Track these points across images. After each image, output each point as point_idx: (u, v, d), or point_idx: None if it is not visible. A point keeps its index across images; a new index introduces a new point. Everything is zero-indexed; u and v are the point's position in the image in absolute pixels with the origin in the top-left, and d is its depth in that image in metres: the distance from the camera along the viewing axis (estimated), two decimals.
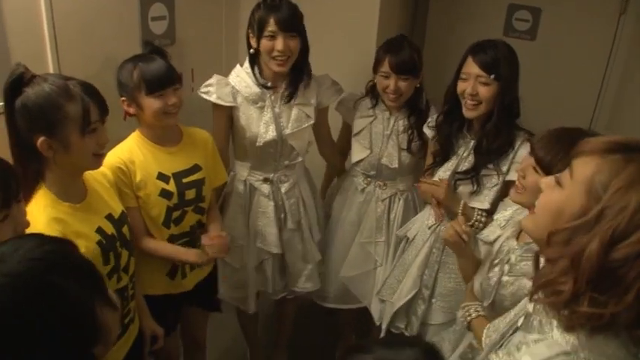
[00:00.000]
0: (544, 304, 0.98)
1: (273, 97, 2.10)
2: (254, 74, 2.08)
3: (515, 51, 1.93)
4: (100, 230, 1.53)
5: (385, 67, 2.13)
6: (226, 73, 2.70)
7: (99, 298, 0.95)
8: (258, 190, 2.20)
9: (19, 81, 1.38)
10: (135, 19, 2.07)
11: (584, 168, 0.92)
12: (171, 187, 1.87)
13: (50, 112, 1.38)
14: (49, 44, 1.73)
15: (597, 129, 2.93)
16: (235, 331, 2.65)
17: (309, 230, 2.34)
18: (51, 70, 1.75)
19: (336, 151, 2.48)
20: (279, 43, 1.97)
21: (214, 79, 2.10)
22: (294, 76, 2.11)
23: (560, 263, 0.91)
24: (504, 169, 1.91)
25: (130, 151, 1.84)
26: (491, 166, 1.92)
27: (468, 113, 1.90)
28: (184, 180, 1.90)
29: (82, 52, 1.86)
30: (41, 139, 1.39)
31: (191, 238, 1.99)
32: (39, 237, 0.99)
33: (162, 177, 1.86)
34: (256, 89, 2.08)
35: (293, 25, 1.98)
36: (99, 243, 1.51)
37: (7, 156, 1.40)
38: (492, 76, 1.82)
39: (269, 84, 2.09)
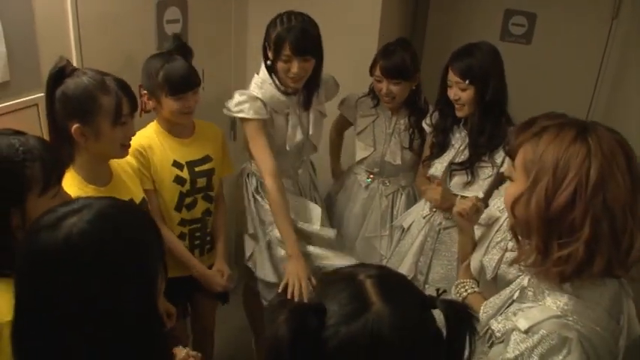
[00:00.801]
0: (532, 275, 1.14)
1: (294, 102, 2.19)
2: (276, 85, 2.11)
3: (499, 51, 2.08)
4: None
5: (377, 72, 2.25)
6: (235, 75, 2.86)
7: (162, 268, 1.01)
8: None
9: (62, 72, 1.53)
10: (151, 22, 2.20)
11: (520, 157, 1.10)
12: (184, 174, 2.01)
13: (86, 102, 1.52)
14: (74, 43, 1.86)
15: None
16: (241, 321, 2.71)
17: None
18: (74, 62, 1.86)
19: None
20: (294, 67, 2.02)
21: (244, 96, 2.10)
22: (309, 87, 2.18)
23: (521, 229, 1.11)
24: (498, 161, 2.05)
25: (149, 138, 1.98)
26: (485, 158, 2.06)
27: (457, 113, 2.08)
28: (196, 169, 2.04)
29: (103, 50, 1.99)
30: (75, 125, 1.52)
31: (202, 225, 2.13)
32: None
33: (177, 164, 2.00)
34: (282, 98, 2.13)
35: (307, 49, 2.02)
36: None
37: None
38: (467, 81, 1.99)
39: (290, 91, 2.15)
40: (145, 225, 1.01)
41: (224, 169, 2.21)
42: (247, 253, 2.28)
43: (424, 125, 2.29)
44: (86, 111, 1.53)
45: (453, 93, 2.05)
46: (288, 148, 2.20)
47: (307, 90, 2.18)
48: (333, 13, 2.66)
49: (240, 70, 2.90)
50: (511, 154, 1.16)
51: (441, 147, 2.18)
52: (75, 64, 1.87)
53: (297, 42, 1.99)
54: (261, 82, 2.13)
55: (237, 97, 2.11)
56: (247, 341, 2.78)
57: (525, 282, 1.18)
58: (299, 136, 2.21)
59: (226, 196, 2.35)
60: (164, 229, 2.00)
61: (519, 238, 1.16)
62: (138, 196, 1.77)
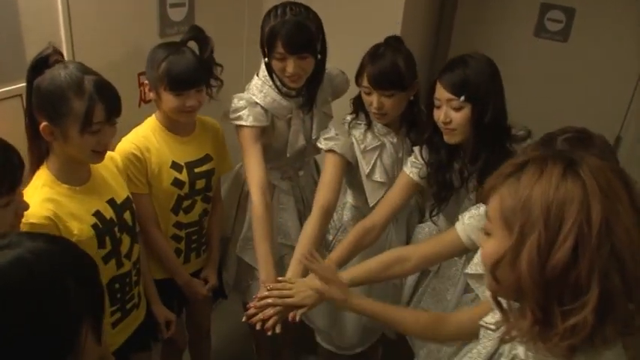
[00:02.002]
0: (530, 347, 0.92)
1: (296, 105, 2.00)
2: (276, 86, 1.93)
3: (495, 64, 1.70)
4: (97, 214, 1.53)
5: (364, 81, 1.82)
6: (247, 65, 2.70)
7: (90, 321, 0.90)
8: (277, 188, 2.16)
9: (44, 61, 1.41)
10: (153, 6, 2.05)
11: (493, 207, 0.90)
12: (183, 176, 1.88)
13: (56, 101, 1.39)
14: (64, 28, 1.73)
15: (626, 138, 2.85)
16: (239, 321, 2.59)
17: None
18: (64, 50, 1.74)
19: None
20: (289, 66, 1.83)
21: (242, 102, 1.93)
22: (310, 87, 1.98)
23: (514, 298, 0.90)
24: None
25: (146, 138, 1.84)
26: None
27: (447, 139, 1.69)
28: (196, 170, 1.92)
29: (98, 37, 1.85)
30: (44, 123, 1.41)
31: (199, 227, 2.02)
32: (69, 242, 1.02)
33: (175, 166, 1.87)
34: (284, 103, 1.95)
35: (302, 46, 1.82)
36: (94, 226, 1.51)
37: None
38: (462, 98, 1.61)
39: (293, 93, 1.96)
40: (71, 273, 0.89)
41: (223, 167, 2.08)
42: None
43: (409, 169, 1.83)
44: (55, 111, 1.40)
45: (442, 114, 1.64)
46: (288, 154, 2.04)
47: (309, 90, 1.99)
48: (351, 7, 2.49)
49: (253, 61, 2.73)
50: (483, 201, 0.95)
51: (445, 189, 1.79)
52: (65, 52, 1.74)
53: (290, 38, 1.79)
54: (261, 85, 1.96)
55: (236, 102, 1.95)
56: (245, 339, 2.69)
57: (521, 353, 0.95)
58: (301, 142, 2.04)
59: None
60: (156, 233, 1.90)
61: (504, 306, 0.94)
62: (120, 195, 1.65)
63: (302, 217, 2.18)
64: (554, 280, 0.81)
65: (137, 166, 1.80)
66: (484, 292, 1.39)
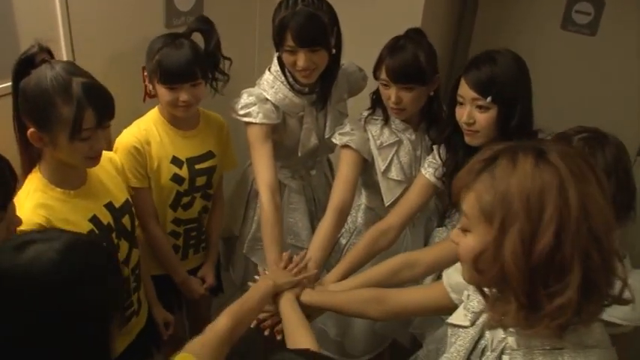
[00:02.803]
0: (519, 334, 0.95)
1: (309, 102, 1.91)
2: (289, 82, 1.84)
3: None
4: (94, 219, 1.46)
5: (383, 74, 1.73)
6: (259, 57, 2.59)
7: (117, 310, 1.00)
8: (288, 187, 2.08)
9: (30, 61, 1.31)
10: None
11: (469, 204, 0.93)
12: (183, 172, 1.82)
13: (43, 107, 1.30)
14: (62, 23, 1.63)
15: None
16: None
17: None
18: (63, 50, 1.66)
19: None
20: (300, 59, 1.73)
21: (252, 98, 1.84)
22: (324, 83, 1.88)
23: (498, 285, 0.93)
24: None
25: (147, 131, 1.79)
26: None
27: (468, 140, 1.59)
28: (197, 166, 1.85)
29: (98, 31, 1.76)
30: (31, 129, 1.33)
31: (198, 224, 1.97)
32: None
33: (176, 161, 1.81)
34: (296, 100, 1.86)
35: (313, 39, 1.71)
36: (90, 232, 1.43)
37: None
38: (489, 99, 1.49)
39: (306, 90, 1.87)
40: (110, 264, 0.98)
41: (227, 164, 2.01)
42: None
43: (426, 171, 1.75)
44: (42, 117, 1.31)
45: (465, 114, 1.54)
46: (300, 154, 1.94)
47: (322, 87, 1.88)
48: (372, 11, 2.37)
49: (265, 53, 2.62)
50: (455, 200, 0.98)
51: None
52: (63, 47, 1.65)
53: (300, 30, 1.68)
54: (272, 80, 1.86)
55: (245, 98, 1.86)
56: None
57: (512, 343, 0.96)
58: (313, 141, 1.94)
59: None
60: (156, 229, 1.85)
61: (486, 293, 0.99)
62: (119, 198, 1.56)
63: (313, 218, 2.10)
64: (539, 266, 0.84)
65: (138, 159, 1.75)
66: None
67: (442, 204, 1.98)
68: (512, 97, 1.50)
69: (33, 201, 1.34)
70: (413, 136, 1.84)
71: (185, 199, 1.87)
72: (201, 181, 1.87)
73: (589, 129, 1.28)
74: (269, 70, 1.89)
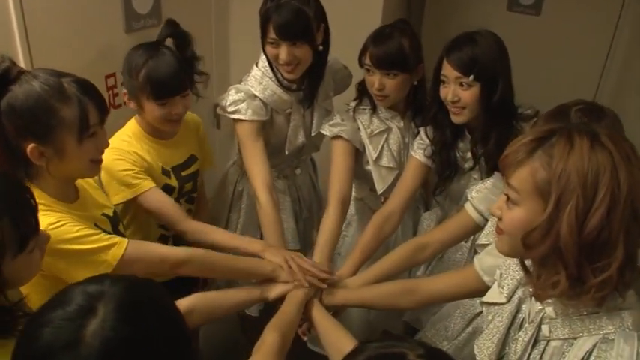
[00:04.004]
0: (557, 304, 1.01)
1: (296, 99, 1.88)
2: (277, 78, 1.82)
3: (501, 40, 1.66)
4: (97, 228, 1.39)
5: (367, 60, 1.77)
6: (217, 55, 2.56)
7: None
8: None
9: (5, 77, 1.21)
10: None
11: (523, 180, 0.97)
12: (172, 182, 1.78)
13: (43, 116, 1.22)
14: (19, 36, 1.55)
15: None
16: (227, 320, 2.46)
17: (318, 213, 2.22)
18: (22, 61, 1.57)
19: None
20: (282, 53, 1.70)
21: (240, 94, 1.80)
22: (311, 81, 1.86)
23: (545, 259, 0.97)
24: None
25: (130, 145, 1.69)
26: None
27: (454, 119, 1.67)
28: (183, 174, 1.81)
29: (57, 37, 1.68)
30: (32, 145, 1.23)
31: None
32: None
33: (164, 172, 1.75)
34: (285, 97, 1.83)
35: (296, 33, 1.68)
36: None
37: None
38: (471, 77, 1.58)
39: (294, 86, 1.85)
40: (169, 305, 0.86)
41: (205, 163, 1.96)
42: None
43: (415, 152, 1.80)
44: (44, 127, 1.23)
45: (450, 92, 1.62)
46: (287, 152, 1.92)
47: (309, 85, 1.86)
48: None
49: (221, 51, 2.61)
50: (505, 172, 1.02)
51: (449, 167, 1.77)
52: (22, 61, 1.56)
53: (283, 23, 1.66)
54: (260, 76, 1.83)
55: (233, 94, 1.82)
56: (232, 333, 2.58)
57: (551, 312, 1.03)
58: (300, 139, 1.92)
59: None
60: (192, 222, 1.70)
61: (527, 267, 1.06)
62: (110, 207, 1.50)
63: (298, 219, 2.09)
64: (589, 241, 0.90)
65: (137, 162, 1.66)
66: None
67: (425, 191, 2.03)
68: (493, 74, 1.58)
69: (50, 218, 1.25)
70: (401, 123, 1.88)
71: None
72: (188, 187, 1.84)
73: (586, 101, 1.33)
74: (256, 65, 1.85)
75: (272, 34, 1.69)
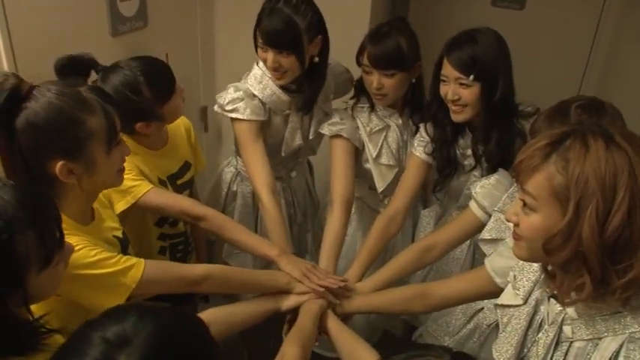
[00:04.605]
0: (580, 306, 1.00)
1: (297, 100, 1.84)
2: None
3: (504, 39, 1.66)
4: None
5: (365, 60, 1.74)
6: (203, 58, 2.54)
7: None
8: None
9: (16, 95, 1.12)
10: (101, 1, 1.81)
11: (539, 186, 0.95)
12: (170, 192, 1.72)
13: (70, 130, 1.16)
14: (2, 43, 1.49)
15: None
16: None
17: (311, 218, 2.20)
18: (4, 64, 1.51)
19: None
20: (269, 59, 1.68)
21: (239, 93, 1.76)
22: (311, 88, 1.81)
23: (568, 264, 0.96)
24: None
25: (127, 160, 1.63)
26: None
27: (455, 117, 1.66)
28: (178, 182, 1.76)
29: (42, 42, 1.62)
30: (60, 163, 1.16)
31: (185, 238, 1.88)
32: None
33: (161, 182, 1.70)
34: (284, 97, 1.79)
35: (283, 43, 1.65)
36: None
37: None
38: (472, 77, 1.57)
39: (294, 87, 1.80)
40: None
41: (198, 165, 1.91)
42: None
43: (416, 150, 1.79)
44: (72, 141, 1.16)
45: (450, 91, 1.61)
46: (283, 154, 1.89)
47: (309, 92, 1.81)
48: None
49: (208, 53, 2.58)
50: (520, 179, 1.00)
51: (449, 165, 1.76)
52: (4, 61, 1.50)
53: (270, 31, 1.63)
54: (261, 76, 1.78)
55: (232, 93, 1.78)
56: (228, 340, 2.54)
57: (572, 313, 1.02)
58: (298, 141, 1.89)
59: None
60: (207, 219, 1.63)
61: (549, 271, 1.05)
62: (118, 229, 1.44)
63: (292, 222, 2.07)
64: (611, 242, 0.89)
65: (133, 169, 1.58)
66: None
67: (423, 189, 2.02)
68: (493, 73, 1.57)
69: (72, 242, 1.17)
70: (399, 121, 1.87)
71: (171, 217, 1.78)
72: (184, 195, 1.79)
73: (586, 97, 1.33)
74: (257, 65, 1.81)
75: (260, 38, 1.67)
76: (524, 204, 1.00)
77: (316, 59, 1.74)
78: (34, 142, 1.14)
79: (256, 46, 1.72)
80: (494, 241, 1.52)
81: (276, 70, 1.70)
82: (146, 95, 1.52)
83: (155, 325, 0.71)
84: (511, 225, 1.47)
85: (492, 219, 1.54)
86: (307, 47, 1.69)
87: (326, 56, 1.78)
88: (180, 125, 1.81)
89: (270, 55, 1.67)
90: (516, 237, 1.04)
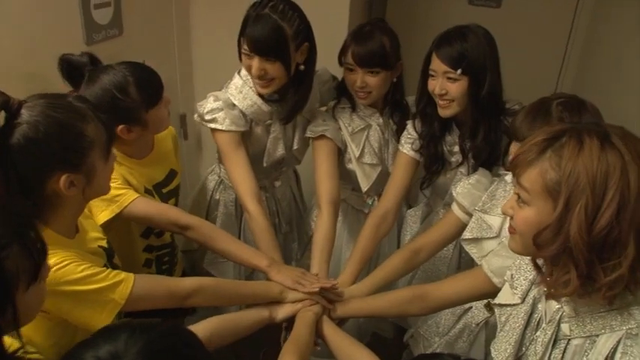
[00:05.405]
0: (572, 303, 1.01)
1: (279, 110, 1.79)
2: (258, 89, 1.73)
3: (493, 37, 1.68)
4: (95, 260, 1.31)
5: (349, 59, 1.76)
6: (180, 65, 2.51)
7: None
8: None
9: (7, 112, 1.09)
10: (75, 7, 1.77)
11: (532, 180, 0.97)
12: (156, 200, 1.69)
13: (72, 141, 1.14)
14: None
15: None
16: None
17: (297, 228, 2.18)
18: None
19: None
20: (254, 66, 1.63)
21: (218, 102, 1.72)
22: (297, 98, 1.76)
23: (556, 258, 0.97)
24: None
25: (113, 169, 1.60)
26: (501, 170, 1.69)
27: (442, 112, 1.68)
28: (164, 190, 1.72)
29: (15, 50, 1.57)
30: (64, 176, 1.13)
31: (171, 249, 1.84)
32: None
33: (147, 191, 1.65)
34: (265, 107, 1.75)
35: (269, 50, 1.60)
36: None
37: None
38: (459, 71, 1.59)
39: (275, 96, 1.75)
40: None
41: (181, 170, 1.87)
42: None
43: (403, 148, 1.80)
44: (74, 153, 1.14)
45: (437, 86, 1.63)
46: (265, 164, 1.85)
47: (295, 99, 1.77)
48: None
49: (185, 60, 2.55)
50: (516, 173, 1.02)
51: (436, 161, 1.78)
52: None
53: (256, 37, 1.59)
54: (241, 85, 1.74)
55: (211, 102, 1.74)
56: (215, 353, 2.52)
57: (570, 311, 1.03)
58: (280, 151, 1.85)
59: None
60: (195, 227, 1.61)
61: (539, 265, 1.06)
62: (103, 239, 1.40)
63: (278, 232, 2.03)
64: (598, 240, 0.90)
65: (118, 178, 1.54)
66: (480, 255, 1.50)
67: (409, 194, 2.02)
68: (481, 69, 1.60)
69: (53, 258, 1.14)
70: (380, 120, 1.88)
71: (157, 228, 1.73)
72: (171, 203, 1.76)
73: (567, 95, 1.35)
74: (238, 74, 1.77)
75: (246, 45, 1.62)
76: (519, 197, 1.01)
77: (302, 67, 1.71)
78: (33, 159, 1.11)
79: (240, 54, 1.68)
80: (475, 240, 1.54)
81: (261, 78, 1.65)
82: (133, 96, 1.48)
83: (146, 341, 0.71)
84: (492, 223, 1.51)
85: (473, 218, 1.55)
86: (294, 55, 1.66)
87: (312, 64, 1.76)
88: (167, 133, 1.78)
89: (255, 63, 1.62)
90: (511, 230, 1.06)
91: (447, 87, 1.62)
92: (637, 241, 0.91)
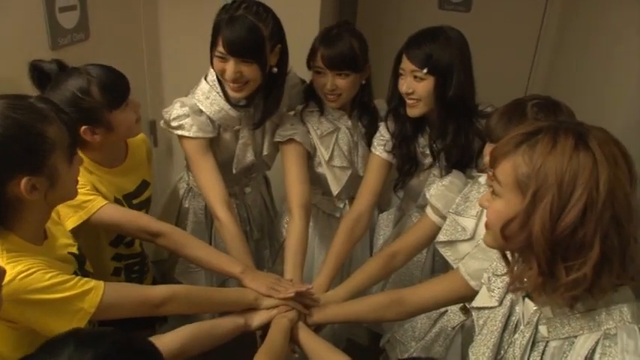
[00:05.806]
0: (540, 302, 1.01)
1: (248, 115, 1.76)
2: (225, 94, 1.68)
3: (467, 40, 1.69)
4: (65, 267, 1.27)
5: (318, 62, 1.76)
6: (149, 70, 2.46)
7: None
8: None
9: None
10: (40, 11, 1.73)
11: (505, 173, 0.97)
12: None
13: (33, 143, 1.10)
14: None
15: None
16: None
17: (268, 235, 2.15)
18: None
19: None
20: (229, 69, 1.58)
21: (185, 109, 1.68)
22: (267, 105, 1.73)
23: (522, 252, 0.99)
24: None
25: (82, 176, 1.50)
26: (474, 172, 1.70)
27: (409, 111, 1.69)
28: (134, 201, 1.67)
29: None
30: (24, 179, 1.09)
31: (141, 258, 1.80)
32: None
33: (117, 201, 1.61)
34: (233, 113, 1.70)
35: (246, 51, 1.56)
36: None
37: None
38: (425, 70, 1.60)
39: (243, 102, 1.71)
40: None
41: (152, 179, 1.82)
42: None
43: (380, 139, 1.80)
44: (35, 155, 1.11)
45: (405, 85, 1.65)
46: (234, 170, 1.82)
47: (267, 103, 1.74)
48: None
49: (154, 65, 2.51)
50: (491, 164, 1.03)
51: (409, 161, 1.78)
52: None
53: (233, 39, 1.55)
54: (208, 91, 1.70)
55: (178, 108, 1.70)
56: None
57: (548, 312, 1.02)
58: (249, 157, 1.82)
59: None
60: (166, 234, 1.57)
61: (508, 258, 1.06)
62: (73, 245, 1.36)
63: (249, 239, 1.99)
64: (562, 238, 0.90)
65: (86, 184, 1.50)
66: (455, 258, 1.51)
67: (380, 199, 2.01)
68: (447, 69, 1.60)
69: (19, 266, 1.11)
70: (349, 123, 1.88)
71: (127, 237, 1.69)
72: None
73: (542, 96, 1.35)
74: (205, 79, 1.73)
75: (221, 48, 1.57)
76: (492, 192, 1.02)
77: (275, 70, 1.68)
78: None
79: (212, 58, 1.63)
80: (450, 243, 1.54)
81: (236, 81, 1.61)
82: (95, 97, 1.45)
83: (93, 355, 0.68)
84: (466, 225, 1.50)
85: (447, 221, 1.55)
86: (269, 56, 1.63)
87: (285, 67, 1.73)
88: (141, 143, 1.74)
89: (230, 65, 1.58)
90: (487, 224, 1.05)
91: (414, 86, 1.63)
92: (603, 245, 0.90)
